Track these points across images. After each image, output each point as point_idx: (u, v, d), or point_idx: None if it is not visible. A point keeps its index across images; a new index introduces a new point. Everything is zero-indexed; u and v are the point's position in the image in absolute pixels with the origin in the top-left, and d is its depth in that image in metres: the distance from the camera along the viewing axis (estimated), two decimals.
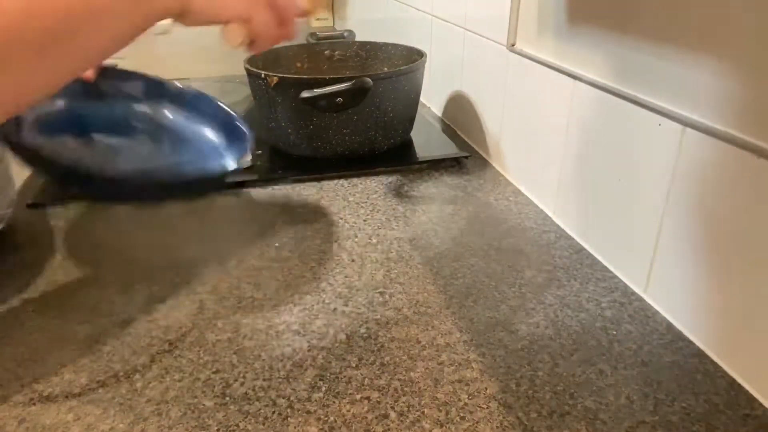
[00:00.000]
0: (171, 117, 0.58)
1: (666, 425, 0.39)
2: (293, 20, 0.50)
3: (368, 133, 0.79)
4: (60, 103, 0.55)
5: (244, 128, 0.58)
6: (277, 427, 0.39)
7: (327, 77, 0.73)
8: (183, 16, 0.43)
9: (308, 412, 0.40)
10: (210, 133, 0.59)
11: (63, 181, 0.50)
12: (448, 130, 0.96)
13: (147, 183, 0.48)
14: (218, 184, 0.52)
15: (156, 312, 0.51)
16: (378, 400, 0.41)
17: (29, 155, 0.46)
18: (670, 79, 0.47)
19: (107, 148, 0.55)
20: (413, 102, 0.84)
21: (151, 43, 1.68)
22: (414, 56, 0.86)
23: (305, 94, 0.72)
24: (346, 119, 0.76)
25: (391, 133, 0.81)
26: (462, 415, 0.40)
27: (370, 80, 0.73)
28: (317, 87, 0.72)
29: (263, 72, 0.75)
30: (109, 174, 0.49)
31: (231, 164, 0.55)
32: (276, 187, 0.75)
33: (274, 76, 0.74)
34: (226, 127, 0.59)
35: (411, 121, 0.86)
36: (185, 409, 0.41)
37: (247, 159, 0.52)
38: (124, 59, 1.55)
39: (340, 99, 0.73)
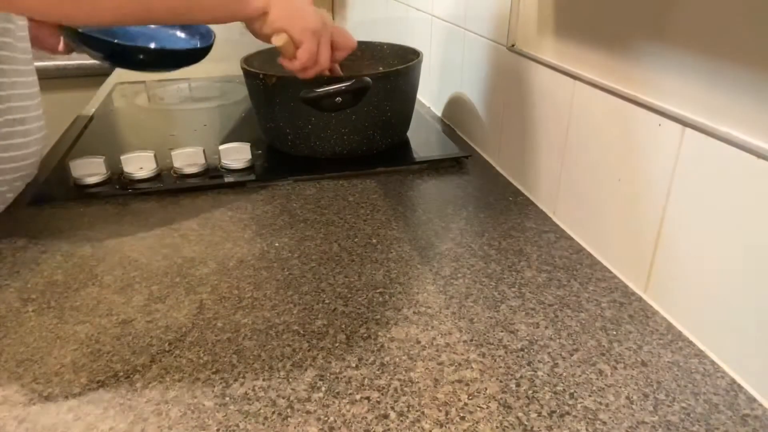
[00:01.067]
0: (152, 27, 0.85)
1: (666, 425, 0.39)
2: (336, 62, 0.71)
3: (366, 133, 0.79)
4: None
5: (207, 27, 0.85)
6: (277, 427, 0.39)
7: (326, 77, 0.73)
8: (259, 21, 0.60)
9: (308, 412, 0.40)
10: (180, 33, 0.87)
11: (110, 57, 0.75)
12: (448, 130, 0.96)
13: (159, 54, 0.78)
14: (197, 56, 0.80)
15: (156, 312, 0.51)
16: (378, 400, 0.41)
17: (93, 41, 0.71)
18: (670, 79, 0.47)
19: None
20: (411, 101, 0.84)
21: None
22: (410, 56, 0.86)
23: (305, 93, 0.72)
24: (345, 119, 0.76)
25: (389, 132, 0.81)
26: (462, 415, 0.40)
27: (369, 80, 0.73)
28: (316, 87, 0.72)
29: (261, 72, 0.75)
30: (138, 48, 0.77)
31: (202, 43, 0.84)
32: (276, 187, 0.75)
33: (273, 75, 0.74)
34: (192, 29, 0.87)
35: (408, 120, 0.87)
36: (185, 409, 0.41)
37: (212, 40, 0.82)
38: None
39: (339, 99, 0.73)
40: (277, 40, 0.62)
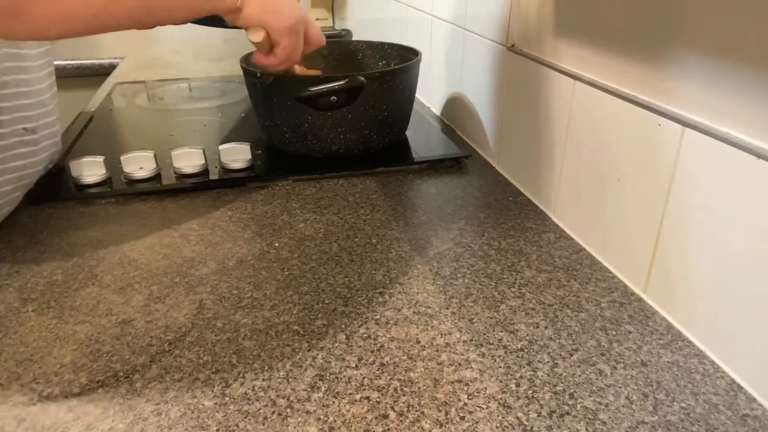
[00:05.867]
0: None
1: (666, 425, 0.39)
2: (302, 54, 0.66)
3: (363, 132, 0.79)
4: None
5: None
6: (276, 427, 0.39)
7: (321, 76, 0.73)
8: (232, 15, 0.57)
9: (308, 412, 0.40)
10: None
11: None
12: (448, 129, 0.96)
13: None
14: None
15: (156, 312, 0.51)
16: (378, 400, 0.41)
17: None
18: (670, 79, 0.47)
19: None
20: (408, 101, 0.84)
21: (152, 43, 1.68)
22: (409, 55, 0.86)
23: (300, 92, 0.72)
24: (341, 118, 0.76)
25: (386, 131, 0.81)
26: (462, 415, 0.40)
27: (363, 79, 0.73)
28: (312, 86, 0.72)
29: (259, 71, 0.75)
30: None
31: None
32: (276, 187, 0.75)
33: (270, 74, 0.74)
34: None
35: (406, 120, 0.87)
36: (185, 409, 0.41)
37: None
38: (125, 58, 1.56)
39: (334, 98, 0.73)
40: (255, 37, 0.59)
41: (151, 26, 0.51)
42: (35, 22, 0.42)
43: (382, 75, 0.76)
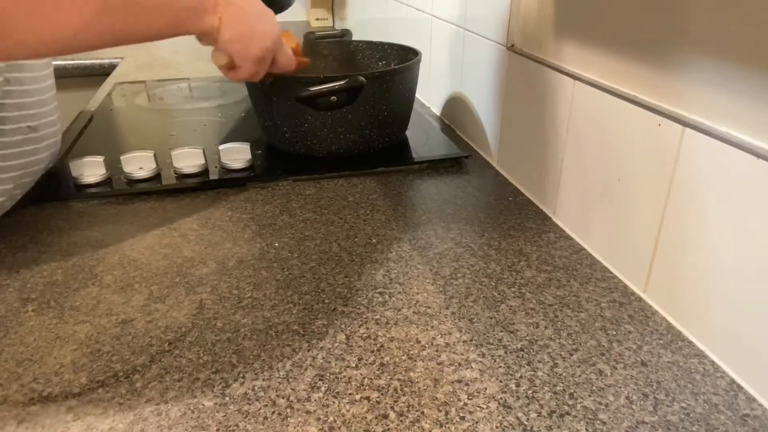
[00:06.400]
0: None
1: (666, 425, 0.39)
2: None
3: (363, 132, 0.79)
4: None
5: None
6: (276, 427, 0.39)
7: (321, 76, 0.73)
8: (207, 38, 0.57)
9: (308, 412, 0.40)
10: None
11: None
12: (448, 129, 0.96)
13: None
14: None
15: (155, 312, 0.51)
16: (378, 400, 0.41)
17: None
18: (670, 79, 0.47)
19: None
20: (408, 101, 0.84)
21: (152, 43, 1.68)
22: (409, 55, 0.86)
23: (300, 92, 0.72)
24: (341, 117, 0.76)
25: (385, 131, 0.81)
26: (462, 415, 0.40)
27: (363, 79, 0.73)
28: (312, 86, 0.72)
29: None
30: None
31: None
32: (276, 187, 0.75)
33: (270, 75, 0.74)
34: None
35: (406, 120, 0.87)
36: (185, 409, 0.41)
37: None
38: (125, 58, 1.56)
39: (334, 97, 0.73)
40: (217, 61, 0.60)
41: (130, 44, 0.50)
42: (15, 46, 0.41)
43: (382, 75, 0.77)
